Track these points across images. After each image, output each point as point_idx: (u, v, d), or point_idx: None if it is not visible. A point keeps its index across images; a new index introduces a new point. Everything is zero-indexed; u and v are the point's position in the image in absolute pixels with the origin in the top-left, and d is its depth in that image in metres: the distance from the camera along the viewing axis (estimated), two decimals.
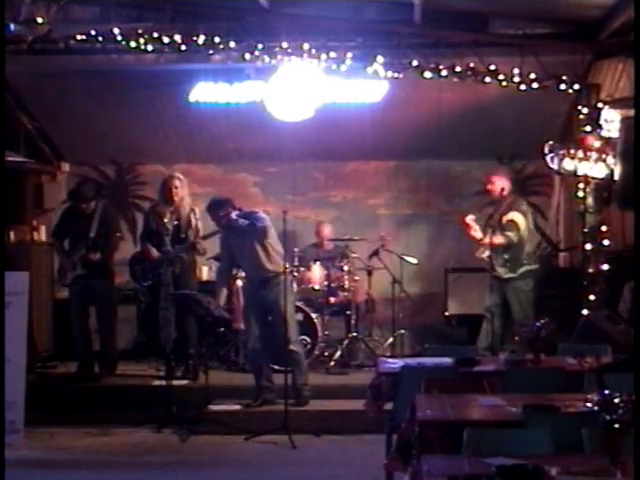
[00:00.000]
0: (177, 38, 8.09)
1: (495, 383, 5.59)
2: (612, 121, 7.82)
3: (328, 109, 8.67)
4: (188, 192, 8.74)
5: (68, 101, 9.57)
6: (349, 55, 8.19)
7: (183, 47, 8.14)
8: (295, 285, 9.04)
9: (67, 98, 9.52)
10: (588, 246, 8.53)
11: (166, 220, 8.32)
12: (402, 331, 9.39)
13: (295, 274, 9.08)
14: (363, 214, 10.54)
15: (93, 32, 8.11)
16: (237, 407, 7.99)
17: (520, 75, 8.25)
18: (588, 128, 8.36)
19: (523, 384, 5.52)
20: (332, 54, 8.18)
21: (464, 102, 9.29)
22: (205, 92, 9.25)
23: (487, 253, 8.41)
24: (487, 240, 8.35)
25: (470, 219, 8.60)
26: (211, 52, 8.25)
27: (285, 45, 8.14)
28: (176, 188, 8.55)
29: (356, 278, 9.58)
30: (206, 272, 9.87)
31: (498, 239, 8.31)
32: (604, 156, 7.90)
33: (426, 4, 7.86)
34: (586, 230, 8.56)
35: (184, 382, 8.41)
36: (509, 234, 8.33)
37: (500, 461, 3.52)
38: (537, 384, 5.49)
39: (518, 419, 4.39)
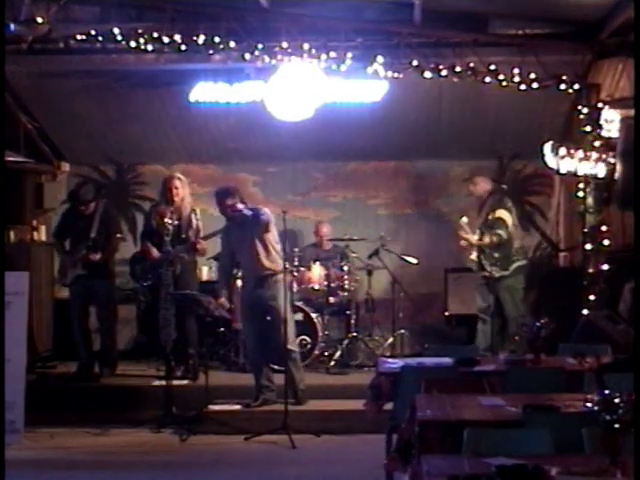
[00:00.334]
0: (177, 38, 8.09)
1: (495, 383, 5.60)
2: (612, 121, 7.83)
3: (328, 109, 8.67)
4: (189, 192, 8.75)
5: (68, 101, 9.56)
6: (349, 55, 8.19)
7: (183, 47, 8.13)
8: (295, 285, 9.05)
9: (67, 98, 9.51)
10: (588, 246, 8.54)
11: (166, 220, 8.31)
12: (402, 331, 9.39)
13: (295, 274, 9.09)
14: (363, 214, 10.52)
15: (93, 32, 8.11)
16: (237, 407, 8.00)
17: (520, 75, 8.25)
18: (588, 128, 8.38)
19: (523, 384, 5.52)
20: (332, 54, 8.18)
21: (464, 102, 9.29)
22: (205, 92, 9.24)
23: (474, 254, 8.48)
24: (474, 240, 8.45)
25: (464, 222, 8.68)
26: (211, 52, 8.25)
27: (285, 45, 8.14)
28: (176, 188, 8.55)
29: (356, 278, 9.59)
30: (206, 272, 9.88)
31: (489, 238, 8.39)
32: (604, 156, 7.90)
33: (426, 4, 7.87)
34: (586, 230, 8.57)
35: (184, 382, 8.41)
36: (499, 231, 8.47)
37: (500, 461, 3.52)
38: (537, 384, 5.50)
39: (518, 419, 4.39)
